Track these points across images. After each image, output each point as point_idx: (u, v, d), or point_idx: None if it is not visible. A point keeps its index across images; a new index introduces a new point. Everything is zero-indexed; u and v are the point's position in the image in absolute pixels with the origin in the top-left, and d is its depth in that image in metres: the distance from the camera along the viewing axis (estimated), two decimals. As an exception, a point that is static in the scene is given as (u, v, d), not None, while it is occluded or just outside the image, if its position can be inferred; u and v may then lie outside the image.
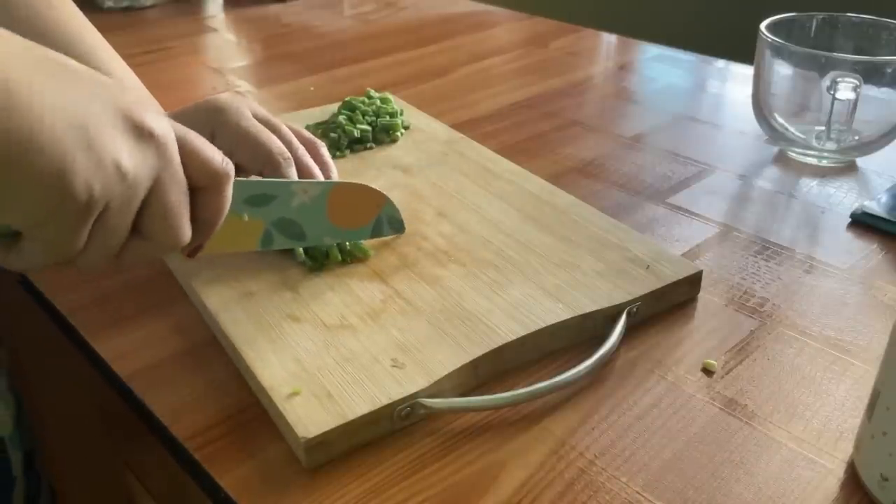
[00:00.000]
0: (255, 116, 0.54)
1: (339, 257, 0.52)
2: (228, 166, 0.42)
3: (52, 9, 0.56)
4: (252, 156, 0.52)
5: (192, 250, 0.43)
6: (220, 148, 0.50)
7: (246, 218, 0.48)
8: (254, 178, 0.52)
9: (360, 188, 0.54)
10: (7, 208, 0.34)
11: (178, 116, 0.53)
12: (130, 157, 0.36)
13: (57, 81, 0.34)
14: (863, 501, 0.39)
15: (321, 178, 0.54)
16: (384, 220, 0.55)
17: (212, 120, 0.52)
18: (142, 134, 0.36)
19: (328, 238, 0.52)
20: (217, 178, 0.41)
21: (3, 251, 0.36)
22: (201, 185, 0.41)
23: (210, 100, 0.54)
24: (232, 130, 0.52)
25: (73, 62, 0.36)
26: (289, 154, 0.53)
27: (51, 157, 0.33)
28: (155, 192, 0.38)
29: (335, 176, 0.56)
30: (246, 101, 0.55)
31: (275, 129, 0.54)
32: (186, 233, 0.40)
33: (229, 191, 0.42)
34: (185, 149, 0.39)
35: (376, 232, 0.55)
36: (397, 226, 0.56)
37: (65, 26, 0.56)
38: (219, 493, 0.39)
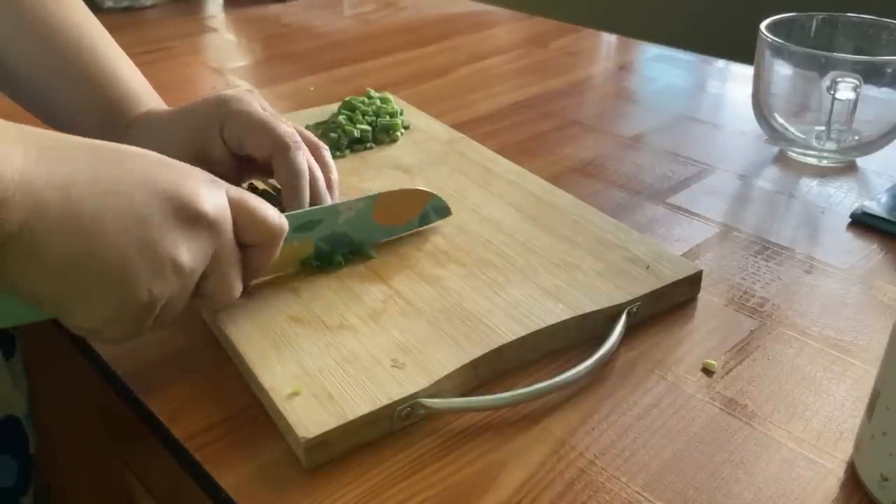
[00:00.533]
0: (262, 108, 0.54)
1: (343, 264, 0.52)
2: (283, 223, 0.45)
3: (61, 7, 0.56)
4: (261, 142, 0.52)
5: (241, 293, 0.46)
6: (229, 136, 0.52)
7: (296, 243, 0.50)
8: (297, 210, 0.52)
9: (404, 193, 0.55)
10: (76, 314, 0.37)
11: (188, 110, 0.54)
12: (187, 251, 0.38)
13: (112, 185, 0.36)
14: (863, 501, 0.39)
15: (320, 177, 0.54)
16: (430, 210, 0.57)
17: (221, 111, 0.53)
18: (199, 222, 0.39)
19: (378, 236, 0.55)
20: (272, 236, 0.44)
21: (86, 333, 0.39)
22: (256, 243, 0.43)
23: (217, 94, 0.54)
24: (241, 118, 0.52)
25: (122, 149, 0.38)
26: (299, 139, 0.53)
27: (112, 268, 0.36)
28: (211, 267, 0.41)
29: (335, 177, 0.56)
30: (253, 95, 0.55)
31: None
32: (239, 289, 0.44)
33: (280, 244, 0.45)
34: (242, 212, 0.42)
35: (423, 221, 0.57)
36: (443, 212, 0.58)
37: (73, 25, 0.56)
38: (219, 493, 0.39)
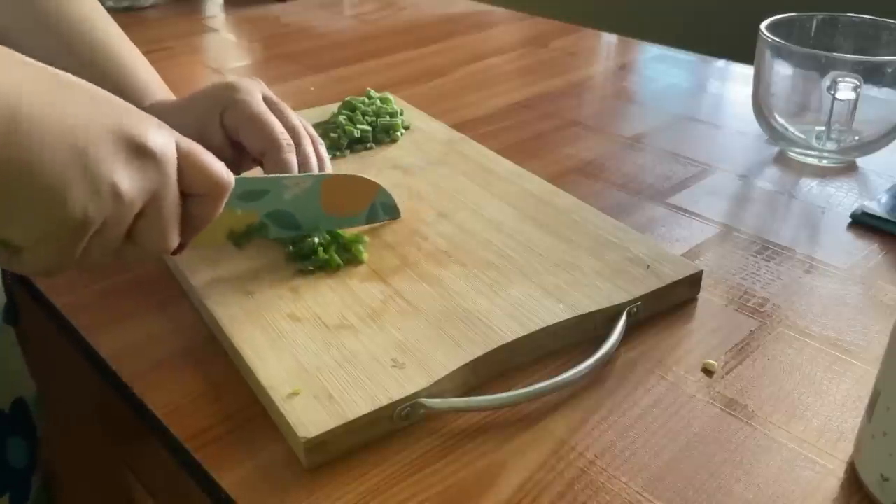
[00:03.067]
0: (266, 99, 0.56)
1: (340, 262, 0.52)
2: (230, 176, 0.43)
3: (74, 3, 0.58)
4: (256, 137, 0.53)
5: (176, 249, 0.44)
6: (228, 124, 0.54)
7: (239, 212, 0.50)
8: (245, 174, 0.53)
9: (352, 178, 0.55)
10: (6, 226, 0.36)
11: (195, 98, 0.56)
12: (128, 178, 0.37)
13: (60, 106, 0.36)
14: (863, 501, 0.39)
15: (316, 170, 0.55)
16: (378, 206, 0.57)
17: (223, 98, 0.54)
18: (141, 153, 0.38)
19: (323, 225, 0.54)
20: (218, 188, 0.43)
21: (6, 257, 0.38)
22: (200, 192, 0.42)
23: (225, 81, 0.56)
24: (240, 110, 0.53)
25: (79, 81, 0.38)
26: (291, 141, 0.54)
27: (49, 182, 0.35)
28: (150, 206, 0.39)
29: (329, 171, 0.56)
30: (258, 85, 0.57)
31: (282, 114, 0.56)
32: (175, 240, 0.42)
33: (224, 200, 0.44)
34: (189, 159, 0.41)
35: (371, 218, 0.57)
36: (392, 211, 0.57)
37: (85, 20, 0.58)
38: (219, 493, 0.39)
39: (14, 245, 0.37)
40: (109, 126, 0.37)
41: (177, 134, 0.41)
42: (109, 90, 0.56)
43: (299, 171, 0.54)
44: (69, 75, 0.38)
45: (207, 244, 0.51)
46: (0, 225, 0.36)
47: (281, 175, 0.52)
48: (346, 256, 0.53)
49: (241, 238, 0.52)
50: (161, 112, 0.55)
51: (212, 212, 0.44)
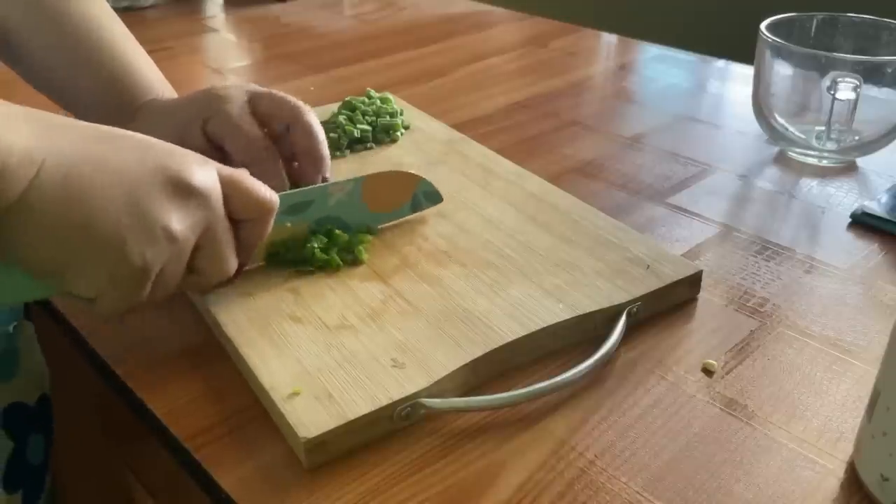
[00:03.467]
0: (252, 94, 0.56)
1: (339, 262, 0.52)
2: (274, 197, 0.46)
3: (81, 1, 0.59)
4: (238, 148, 0.54)
5: (236, 272, 0.47)
6: (213, 134, 0.55)
7: (289, 225, 0.52)
8: (290, 190, 0.54)
9: (392, 175, 0.57)
10: (73, 282, 0.39)
11: (179, 103, 0.57)
12: (179, 220, 0.40)
13: (107, 160, 0.38)
14: (863, 501, 0.39)
15: (285, 184, 0.56)
16: (420, 195, 0.58)
17: (207, 107, 0.55)
18: (188, 193, 0.41)
19: (370, 222, 0.56)
20: (264, 212, 0.46)
21: (86, 304, 0.41)
22: (248, 217, 0.45)
23: (211, 88, 0.56)
24: (224, 121, 0.54)
25: (120, 131, 0.41)
26: (274, 152, 0.55)
27: (107, 235, 0.38)
28: (203, 239, 0.43)
29: (328, 169, 0.57)
30: (242, 86, 0.57)
31: (268, 120, 0.56)
32: (233, 265, 0.45)
33: (272, 219, 0.47)
34: (235, 188, 0.44)
35: (415, 207, 0.58)
36: (434, 198, 0.58)
37: (91, 18, 0.59)
38: (219, 493, 0.39)
39: (87, 297, 0.40)
40: (155, 170, 0.40)
41: (216, 163, 0.44)
42: (111, 85, 0.58)
43: (287, 175, 0.55)
44: (109, 127, 0.41)
45: (256, 261, 0.52)
46: (68, 282, 0.39)
47: (323, 184, 0.54)
48: (346, 257, 0.53)
49: (280, 249, 0.52)
50: (149, 115, 0.57)
51: (262, 232, 0.47)
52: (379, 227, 0.56)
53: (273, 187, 0.48)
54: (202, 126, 0.54)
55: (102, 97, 0.58)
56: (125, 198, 0.38)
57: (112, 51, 0.58)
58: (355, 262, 0.53)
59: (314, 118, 0.57)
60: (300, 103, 0.57)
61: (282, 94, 0.57)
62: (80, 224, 0.37)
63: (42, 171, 0.36)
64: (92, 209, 0.37)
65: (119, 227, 0.38)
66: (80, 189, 0.37)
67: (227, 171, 0.44)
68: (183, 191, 0.40)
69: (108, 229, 0.37)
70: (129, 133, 0.41)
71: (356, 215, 0.55)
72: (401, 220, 0.57)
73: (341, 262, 0.52)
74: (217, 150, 0.55)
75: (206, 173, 0.42)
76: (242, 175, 0.45)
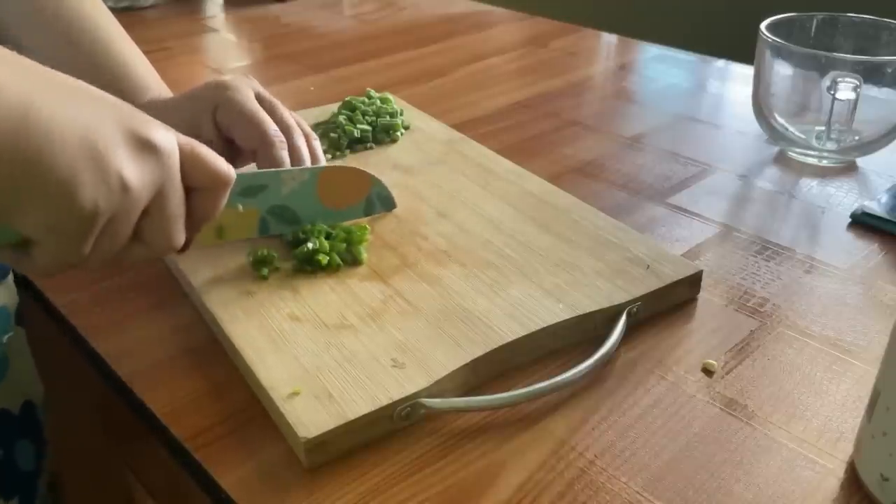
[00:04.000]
0: (258, 96, 0.57)
1: (339, 262, 0.52)
2: (230, 169, 0.44)
3: (77, 2, 0.59)
4: (249, 134, 0.54)
5: (183, 247, 0.45)
6: (220, 122, 0.55)
7: (241, 208, 0.51)
8: (244, 170, 0.54)
9: (347, 170, 0.57)
10: (19, 216, 0.37)
11: (188, 97, 0.57)
12: (135, 171, 0.39)
13: (70, 104, 0.37)
14: (863, 501, 0.39)
15: (308, 163, 0.57)
16: (374, 198, 0.58)
17: (216, 96, 0.55)
18: (146, 147, 0.39)
19: (321, 220, 0.55)
20: (219, 182, 0.44)
21: (15, 256, 0.39)
22: (202, 186, 0.43)
23: (217, 79, 0.57)
24: (233, 108, 0.54)
25: (87, 86, 0.40)
26: (283, 137, 0.55)
27: (60, 173, 0.36)
28: (155, 202, 0.41)
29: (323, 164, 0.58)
30: (250, 82, 0.58)
31: (274, 111, 0.57)
32: (181, 237, 0.43)
33: (227, 193, 0.45)
34: (191, 155, 0.42)
35: (368, 210, 0.58)
36: (388, 203, 0.58)
37: (87, 18, 0.59)
38: (219, 493, 0.39)
39: (24, 239, 0.38)
40: (117, 123, 0.39)
41: (178, 133, 0.43)
42: (108, 86, 0.58)
43: (293, 166, 0.55)
44: (79, 81, 0.40)
45: (200, 244, 0.51)
46: (13, 215, 0.37)
47: (278, 169, 0.53)
48: (346, 257, 0.53)
49: (226, 233, 0.52)
50: (156, 110, 0.56)
51: (215, 206, 0.45)
52: (327, 224, 0.55)
53: None
54: (212, 115, 0.55)
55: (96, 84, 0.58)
56: (83, 140, 0.37)
57: (109, 52, 0.59)
58: (355, 262, 0.53)
59: (302, 141, 0.57)
60: (294, 125, 0.57)
61: (281, 109, 0.57)
62: (33, 157, 0.35)
63: (2, 94, 0.34)
64: (48, 143, 0.36)
65: (75, 167, 0.36)
66: (39, 126, 0.35)
67: (186, 139, 0.43)
68: (143, 145, 0.39)
69: (63, 167, 0.36)
70: (97, 89, 0.40)
71: (309, 209, 0.55)
72: (352, 221, 0.57)
73: (341, 262, 0.52)
74: (226, 143, 0.56)
75: (166, 133, 0.41)
76: (201, 145, 0.44)
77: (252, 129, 0.54)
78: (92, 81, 0.58)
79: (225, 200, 0.45)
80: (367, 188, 0.57)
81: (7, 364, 0.55)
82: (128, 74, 0.59)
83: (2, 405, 0.54)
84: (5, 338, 0.55)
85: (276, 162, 0.54)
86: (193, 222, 0.44)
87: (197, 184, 0.43)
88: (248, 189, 0.52)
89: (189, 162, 0.42)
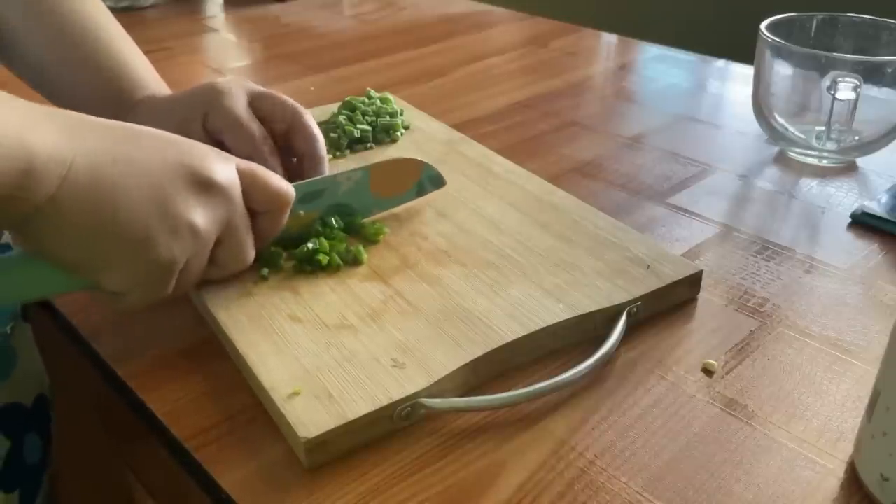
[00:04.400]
0: (252, 94, 0.56)
1: (340, 262, 0.52)
2: (290, 190, 0.48)
3: (76, 1, 0.59)
4: (239, 143, 0.54)
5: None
6: (212, 128, 0.55)
7: (302, 214, 0.54)
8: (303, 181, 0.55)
9: (398, 162, 0.59)
10: (104, 276, 0.40)
11: (178, 98, 0.57)
12: (202, 215, 0.42)
13: (132, 159, 0.39)
14: (863, 501, 0.39)
15: (324, 166, 0.58)
16: (425, 180, 0.60)
17: (207, 102, 0.55)
18: (210, 188, 0.42)
19: (377, 209, 0.58)
20: (281, 204, 0.47)
21: (111, 301, 0.42)
22: (266, 209, 0.47)
23: (210, 83, 0.57)
24: (223, 115, 0.54)
25: (142, 128, 0.42)
26: (272, 143, 0.55)
27: (135, 232, 0.39)
28: (225, 233, 0.44)
29: (326, 168, 0.58)
30: (242, 82, 0.57)
31: (273, 107, 0.56)
32: (251, 255, 0.47)
33: (288, 211, 0.48)
34: (253, 181, 0.45)
35: (420, 192, 0.60)
36: (438, 182, 0.60)
37: (84, 16, 0.59)
38: (219, 493, 0.39)
39: (114, 291, 0.41)
40: (177, 167, 0.41)
41: (234, 157, 0.45)
42: (105, 83, 0.58)
43: (284, 171, 0.55)
44: (130, 124, 0.42)
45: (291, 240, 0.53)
46: (100, 275, 0.40)
47: (334, 173, 0.55)
48: (346, 257, 0.53)
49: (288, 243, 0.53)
50: (148, 110, 0.57)
51: (279, 222, 0.48)
52: (384, 211, 0.58)
53: None
54: (202, 121, 0.55)
55: (99, 94, 0.58)
56: (151, 196, 0.39)
57: (108, 49, 0.59)
58: (356, 261, 0.53)
59: (312, 120, 0.57)
60: (298, 106, 0.57)
61: (281, 95, 0.57)
62: (109, 222, 0.38)
63: (71, 170, 0.36)
64: (120, 208, 0.38)
65: (147, 225, 0.39)
66: (108, 188, 0.38)
67: (245, 164, 0.46)
68: (205, 186, 0.42)
69: (136, 227, 0.39)
70: (152, 130, 0.42)
71: (365, 202, 0.57)
72: (407, 204, 0.59)
73: (341, 262, 0.52)
74: (217, 145, 0.54)
75: (226, 168, 0.43)
76: (260, 168, 0.46)
77: (240, 139, 0.54)
78: (91, 78, 0.58)
79: (287, 216, 0.48)
80: (418, 174, 0.59)
81: (15, 356, 0.55)
82: (127, 72, 0.59)
83: (15, 398, 0.55)
84: (8, 327, 0.55)
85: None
86: (260, 239, 0.47)
87: (259, 207, 0.46)
88: (306, 196, 0.53)
89: (250, 187, 0.45)
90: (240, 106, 0.55)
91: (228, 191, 0.43)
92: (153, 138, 0.42)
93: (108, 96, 0.58)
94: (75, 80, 0.58)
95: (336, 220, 0.55)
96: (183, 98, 0.57)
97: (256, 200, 0.46)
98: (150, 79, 0.60)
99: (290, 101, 0.57)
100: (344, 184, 0.55)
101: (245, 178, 0.45)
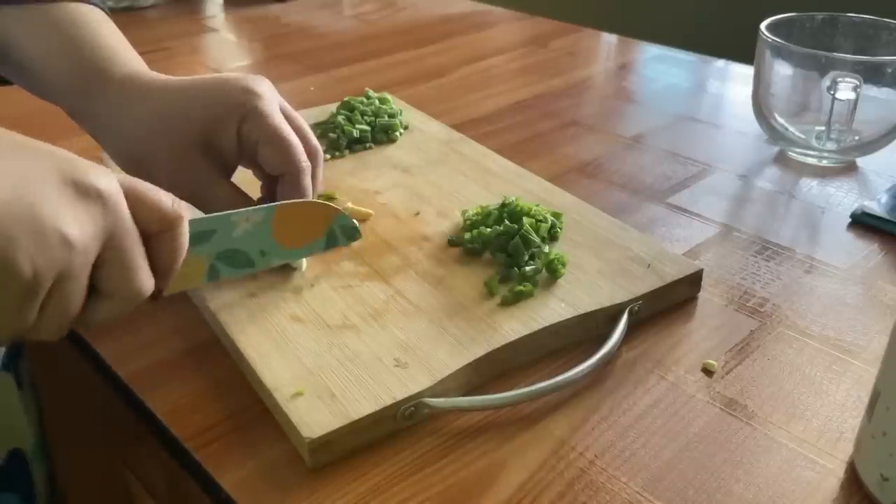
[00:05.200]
0: (282, 111, 0.52)
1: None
2: (179, 208, 0.40)
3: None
4: (277, 158, 0.50)
5: (155, 294, 0.41)
6: (247, 136, 0.49)
7: (189, 258, 0.43)
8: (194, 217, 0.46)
9: (304, 206, 0.50)
10: None
11: (204, 85, 0.51)
12: (76, 223, 0.35)
13: None
14: (863, 501, 0.39)
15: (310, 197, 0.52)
16: (337, 230, 0.51)
17: (246, 101, 0.50)
18: (86, 194, 0.35)
19: (277, 259, 0.50)
20: (169, 221, 0.39)
21: None
22: (154, 230, 0.39)
23: (245, 78, 0.51)
24: (265, 123, 0.49)
25: (11, 134, 0.35)
26: (308, 163, 0.51)
27: None
28: (108, 249, 0.37)
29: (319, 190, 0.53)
30: (273, 88, 0.52)
31: (299, 130, 0.52)
32: (148, 283, 0.39)
33: (184, 232, 0.41)
34: (132, 196, 0.38)
35: (330, 244, 0.51)
36: (351, 233, 0.52)
37: (74, 10, 0.53)
38: (219, 492, 0.39)
39: None
40: (50, 170, 0.35)
41: (118, 173, 0.39)
42: (70, 51, 0.51)
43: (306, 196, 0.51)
44: (8, 131, 0.35)
45: (184, 287, 0.46)
46: None
47: (229, 212, 0.47)
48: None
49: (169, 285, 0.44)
50: (152, 88, 0.51)
51: (177, 245, 0.40)
52: (282, 263, 0.51)
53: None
54: (238, 124, 0.49)
55: (60, 63, 0.52)
56: (13, 197, 0.33)
57: (75, 20, 0.52)
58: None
59: (319, 172, 0.53)
60: (320, 150, 0.53)
61: (306, 127, 0.53)
62: None
63: None
64: None
65: (6, 228, 0.32)
66: None
67: (127, 178, 0.39)
68: (82, 192, 0.35)
69: None
70: (20, 136, 0.36)
71: (262, 250, 0.49)
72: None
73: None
74: (240, 147, 0.51)
75: (107, 176, 0.37)
76: (141, 183, 0.39)
77: (281, 154, 0.49)
78: (52, 46, 0.51)
79: (185, 239, 0.41)
80: (328, 222, 0.51)
81: None
82: (96, 42, 0.52)
83: None
84: None
85: (303, 191, 0.50)
86: (159, 271, 0.40)
87: (148, 226, 0.39)
88: (194, 236, 0.44)
89: (133, 202, 0.38)
90: (278, 115, 0.50)
91: (110, 199, 0.36)
92: (25, 141, 0.36)
93: (76, 65, 0.51)
94: (39, 50, 0.52)
95: (225, 272, 0.47)
96: (209, 88, 0.50)
97: (142, 217, 0.38)
98: (132, 58, 0.54)
99: (314, 140, 0.53)
100: (241, 225, 0.47)
101: (128, 192, 0.38)
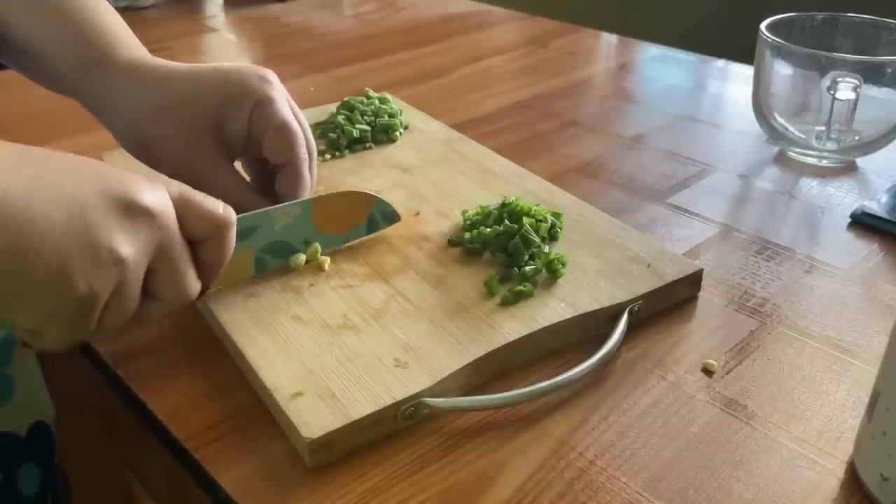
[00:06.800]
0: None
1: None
2: (229, 215, 0.43)
3: None
4: (281, 146, 0.52)
5: (200, 291, 0.44)
6: (256, 122, 0.51)
7: (235, 254, 0.46)
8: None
9: (342, 196, 0.54)
10: (12, 311, 0.35)
11: (213, 70, 0.53)
12: (126, 242, 0.37)
13: (46, 182, 0.34)
14: (863, 501, 0.39)
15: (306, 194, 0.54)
16: (377, 215, 0.55)
17: (261, 88, 0.52)
18: (136, 213, 0.37)
19: (323, 245, 0.53)
20: (220, 229, 0.42)
21: (28, 337, 0.37)
22: (204, 237, 0.42)
23: (259, 68, 0.53)
24: (276, 109, 0.51)
25: (51, 152, 0.37)
26: (314, 151, 0.54)
27: (46, 260, 0.34)
28: (157, 262, 0.39)
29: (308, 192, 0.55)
30: (283, 89, 0.54)
31: (301, 125, 0.54)
32: (195, 286, 0.42)
33: (232, 236, 0.43)
34: (186, 205, 0.41)
35: (371, 228, 0.55)
36: (391, 217, 0.56)
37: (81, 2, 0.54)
38: (219, 493, 0.39)
39: (26, 328, 0.36)
40: (98, 190, 0.36)
41: (170, 181, 0.41)
42: (72, 34, 0.52)
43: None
44: (43, 148, 0.37)
45: (235, 281, 0.50)
46: (11, 309, 0.35)
47: (269, 208, 0.50)
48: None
49: (219, 279, 0.47)
50: (173, 74, 0.53)
51: (222, 250, 0.43)
52: (330, 250, 0.53)
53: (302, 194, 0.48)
54: (251, 110, 0.51)
55: (62, 47, 0.52)
56: (66, 219, 0.34)
57: (76, 5, 0.53)
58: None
59: (314, 167, 0.55)
60: (314, 145, 0.55)
61: (306, 125, 0.55)
62: (18, 250, 0.33)
63: None
64: (29, 233, 0.33)
65: (61, 252, 0.34)
66: (16, 211, 0.33)
67: (177, 187, 0.41)
68: (130, 210, 0.37)
69: (48, 254, 0.34)
70: (61, 153, 0.37)
71: (307, 239, 0.52)
72: (357, 241, 0.55)
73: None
74: (247, 134, 0.52)
75: (154, 190, 0.39)
76: (191, 191, 0.41)
77: (286, 143, 0.51)
78: (54, 31, 0.52)
79: (233, 242, 0.44)
80: (367, 208, 0.54)
81: (13, 385, 0.52)
82: (97, 26, 0.53)
83: (7, 427, 0.52)
84: (10, 360, 0.52)
85: (304, 180, 0.52)
86: (205, 271, 0.43)
87: (197, 233, 0.41)
88: (238, 233, 0.46)
89: (184, 211, 0.40)
90: (286, 105, 0.52)
91: (158, 215, 0.38)
92: (68, 158, 0.37)
93: (78, 48, 0.52)
94: (42, 35, 0.53)
95: (272, 262, 0.51)
96: (223, 74, 0.52)
97: (193, 226, 0.41)
98: (129, 40, 0.55)
99: (312, 138, 0.55)
100: (281, 219, 0.50)
101: (178, 202, 0.40)
